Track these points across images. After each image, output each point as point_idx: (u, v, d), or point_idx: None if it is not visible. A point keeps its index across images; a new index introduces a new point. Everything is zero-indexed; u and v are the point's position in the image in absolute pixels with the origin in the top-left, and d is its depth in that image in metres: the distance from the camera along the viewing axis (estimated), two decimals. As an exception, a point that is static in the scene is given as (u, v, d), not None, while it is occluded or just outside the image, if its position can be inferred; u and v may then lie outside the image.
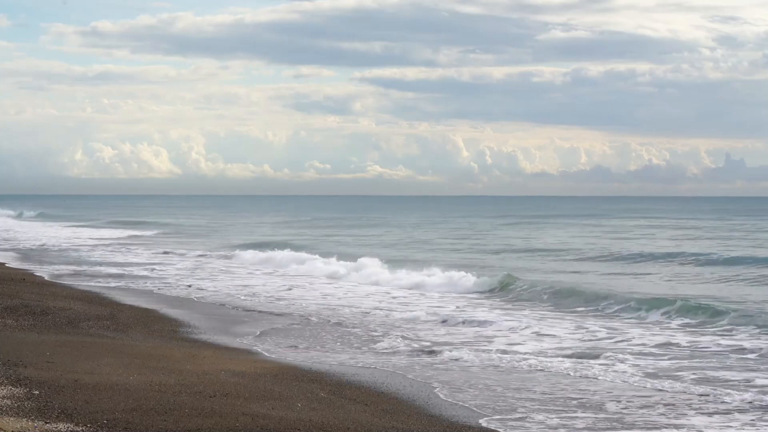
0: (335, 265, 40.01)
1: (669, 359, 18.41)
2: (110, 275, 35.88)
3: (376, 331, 22.07)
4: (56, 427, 10.83)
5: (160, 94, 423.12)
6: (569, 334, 21.88)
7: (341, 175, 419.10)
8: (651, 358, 18.55)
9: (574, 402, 14.45)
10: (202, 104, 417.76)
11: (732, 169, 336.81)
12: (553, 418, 13.39)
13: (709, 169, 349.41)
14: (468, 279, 33.49)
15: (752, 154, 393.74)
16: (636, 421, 13.25)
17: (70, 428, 10.85)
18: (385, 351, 19.21)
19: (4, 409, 11.47)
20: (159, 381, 13.95)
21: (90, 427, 10.99)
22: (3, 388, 12.70)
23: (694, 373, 16.81)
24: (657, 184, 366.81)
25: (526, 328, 22.66)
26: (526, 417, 13.38)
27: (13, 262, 41.27)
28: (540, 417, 13.40)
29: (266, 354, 18.36)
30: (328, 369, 16.64)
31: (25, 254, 47.36)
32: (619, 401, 14.50)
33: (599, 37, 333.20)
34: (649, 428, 12.90)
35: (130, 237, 68.08)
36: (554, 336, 21.49)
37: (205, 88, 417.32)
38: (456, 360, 18.08)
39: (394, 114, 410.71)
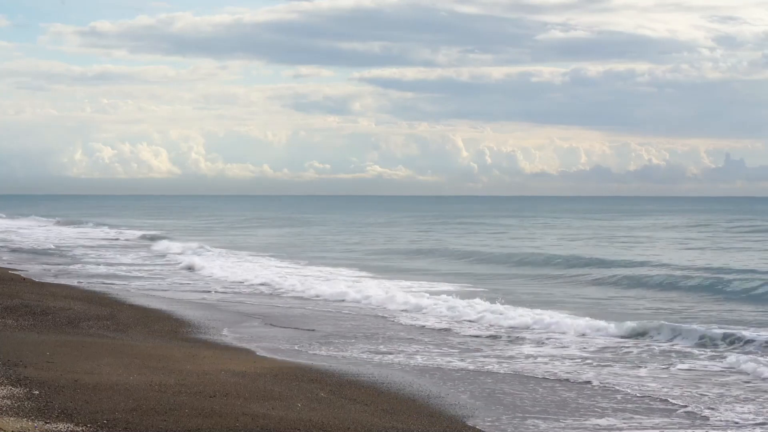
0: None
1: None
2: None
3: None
4: (56, 427, 10.83)
5: (159, 94, 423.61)
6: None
7: (341, 175, 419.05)
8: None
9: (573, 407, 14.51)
10: (202, 104, 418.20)
11: (732, 169, 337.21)
12: (543, 420, 13.43)
13: (709, 169, 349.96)
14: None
15: (752, 154, 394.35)
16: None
17: (70, 428, 10.86)
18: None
19: (4, 409, 11.47)
20: (159, 381, 13.95)
21: (90, 427, 11.00)
22: (3, 388, 12.71)
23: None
24: (657, 184, 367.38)
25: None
26: (523, 419, 13.42)
27: None
28: (537, 421, 13.44)
29: (266, 354, 18.36)
30: (328, 369, 16.64)
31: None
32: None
33: (598, 37, 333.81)
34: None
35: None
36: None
37: (204, 88, 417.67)
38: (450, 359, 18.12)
39: (393, 114, 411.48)
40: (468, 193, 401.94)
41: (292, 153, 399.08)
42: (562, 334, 21.92)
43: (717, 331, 21.26)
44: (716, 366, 17.85)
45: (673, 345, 20.36)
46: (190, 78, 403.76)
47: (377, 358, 18.33)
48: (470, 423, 12.97)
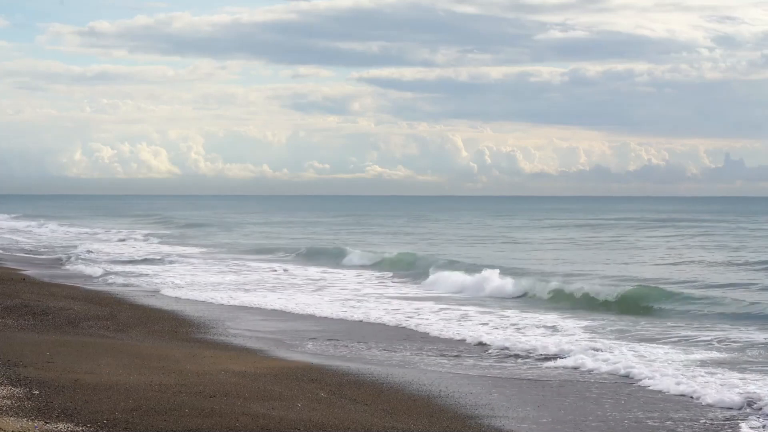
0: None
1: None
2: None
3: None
4: (56, 427, 10.83)
5: (158, 94, 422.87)
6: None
7: (340, 175, 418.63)
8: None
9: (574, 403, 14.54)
10: (201, 104, 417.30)
11: (731, 169, 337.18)
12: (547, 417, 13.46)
13: (709, 169, 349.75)
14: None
15: (751, 154, 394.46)
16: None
17: (70, 428, 10.86)
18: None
19: (4, 409, 11.47)
20: (159, 381, 13.95)
21: (90, 427, 11.00)
22: (3, 388, 12.70)
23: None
24: (656, 184, 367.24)
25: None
26: (526, 417, 13.43)
27: None
28: (539, 415, 13.46)
29: (266, 354, 18.36)
30: (328, 369, 16.64)
31: None
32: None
33: (597, 36, 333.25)
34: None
35: None
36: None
37: (203, 87, 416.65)
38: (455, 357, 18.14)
39: (392, 114, 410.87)
40: (468, 193, 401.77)
41: (292, 153, 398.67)
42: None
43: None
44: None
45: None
46: (189, 78, 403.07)
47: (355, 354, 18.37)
48: (471, 422, 12.96)
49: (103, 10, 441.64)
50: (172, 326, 21.75)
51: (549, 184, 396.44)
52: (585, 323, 23.64)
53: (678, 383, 15.42)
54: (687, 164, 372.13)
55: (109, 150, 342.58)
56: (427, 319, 24.35)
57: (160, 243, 61.06)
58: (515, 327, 22.72)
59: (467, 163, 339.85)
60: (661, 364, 17.21)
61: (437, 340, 20.98)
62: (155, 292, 30.18)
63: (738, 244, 56.09)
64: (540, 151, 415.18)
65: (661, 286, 30.70)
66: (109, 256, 47.50)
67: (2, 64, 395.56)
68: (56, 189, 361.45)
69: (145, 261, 44.13)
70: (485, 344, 19.91)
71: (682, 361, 17.64)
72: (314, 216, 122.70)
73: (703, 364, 17.59)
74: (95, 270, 37.67)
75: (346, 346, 19.93)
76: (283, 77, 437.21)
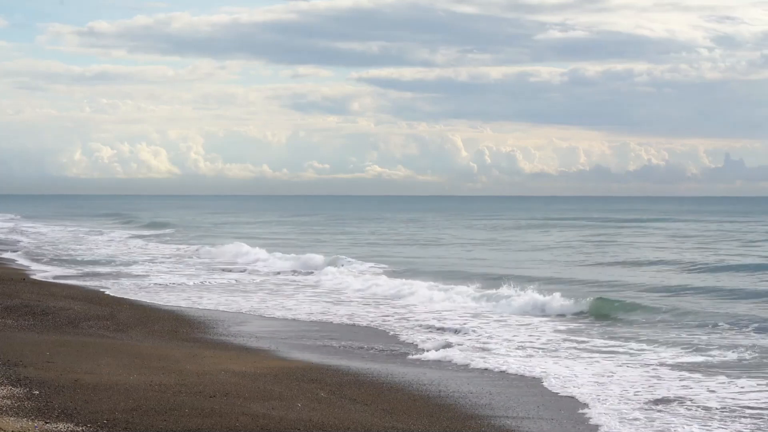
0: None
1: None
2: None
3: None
4: (56, 427, 10.83)
5: (158, 94, 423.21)
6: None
7: (340, 175, 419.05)
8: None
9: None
10: (200, 104, 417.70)
11: (731, 169, 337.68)
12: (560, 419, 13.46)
13: (708, 169, 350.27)
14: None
15: (751, 154, 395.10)
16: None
17: (70, 428, 10.86)
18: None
19: (4, 409, 11.48)
20: (159, 381, 13.95)
21: (90, 427, 11.00)
22: (3, 388, 12.71)
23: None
24: (656, 185, 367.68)
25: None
26: (527, 417, 13.44)
27: None
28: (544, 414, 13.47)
29: (266, 354, 18.37)
30: (328, 369, 16.64)
31: None
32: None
33: (596, 36, 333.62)
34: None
35: None
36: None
37: (203, 87, 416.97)
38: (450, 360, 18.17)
39: (392, 114, 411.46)
40: (467, 193, 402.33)
41: (292, 153, 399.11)
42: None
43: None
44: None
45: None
46: (188, 78, 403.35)
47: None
48: (471, 422, 12.97)
49: (102, 10, 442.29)
50: (172, 326, 21.76)
51: (549, 184, 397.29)
52: (564, 326, 23.64)
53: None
54: (687, 164, 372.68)
55: (108, 150, 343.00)
56: (419, 318, 24.52)
57: (109, 243, 61.32)
58: (492, 330, 22.56)
59: (467, 163, 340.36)
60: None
61: (427, 341, 21.00)
62: (98, 292, 29.98)
63: (724, 245, 56.12)
64: (540, 151, 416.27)
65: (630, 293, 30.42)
66: (58, 255, 47.58)
67: (2, 64, 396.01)
68: (56, 189, 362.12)
69: (95, 262, 43.33)
70: (473, 345, 19.91)
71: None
72: (310, 216, 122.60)
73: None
74: (43, 268, 37.76)
75: (345, 346, 19.95)
76: (282, 77, 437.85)
